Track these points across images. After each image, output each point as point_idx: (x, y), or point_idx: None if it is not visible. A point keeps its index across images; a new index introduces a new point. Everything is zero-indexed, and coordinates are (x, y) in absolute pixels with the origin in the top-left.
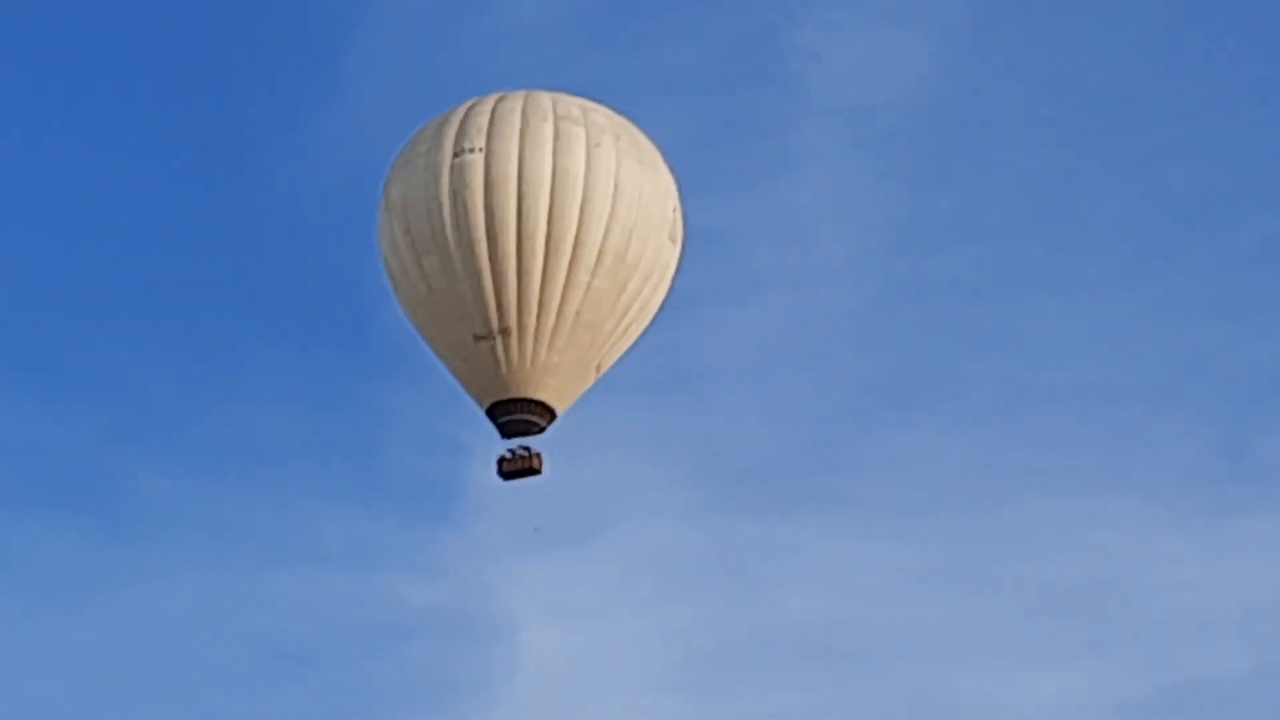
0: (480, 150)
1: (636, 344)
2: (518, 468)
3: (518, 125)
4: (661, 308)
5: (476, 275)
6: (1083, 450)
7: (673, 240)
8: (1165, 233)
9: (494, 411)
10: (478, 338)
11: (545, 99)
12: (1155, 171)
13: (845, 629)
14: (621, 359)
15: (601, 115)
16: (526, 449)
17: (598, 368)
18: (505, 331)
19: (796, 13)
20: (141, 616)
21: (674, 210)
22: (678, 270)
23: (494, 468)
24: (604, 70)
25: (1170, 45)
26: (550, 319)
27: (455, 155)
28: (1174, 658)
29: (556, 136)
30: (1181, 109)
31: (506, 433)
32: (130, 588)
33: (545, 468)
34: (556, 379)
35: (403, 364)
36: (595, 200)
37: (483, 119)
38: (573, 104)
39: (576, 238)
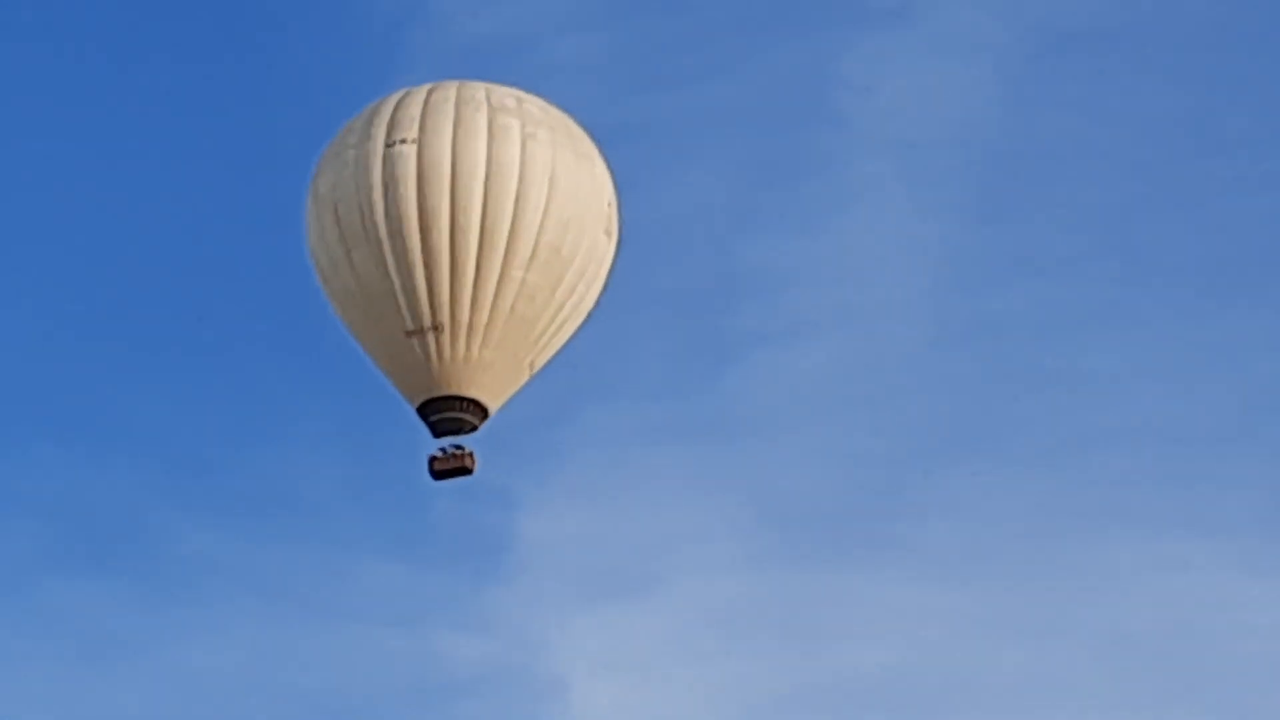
0: (413, 141)
1: (571, 341)
2: (450, 467)
3: (451, 116)
4: (596, 306)
5: (408, 269)
6: (1151, 492)
7: (609, 235)
8: (1234, 266)
9: (425, 409)
10: (409, 333)
11: (479, 89)
12: (1222, 203)
13: (908, 680)
14: (555, 357)
15: (536, 106)
16: (459, 447)
17: (531, 365)
18: (437, 327)
19: (845, 44)
20: (182, 677)
21: (610, 204)
22: (613, 267)
23: (425, 467)
24: (647, 108)
25: (1237, 73)
26: (483, 314)
27: (387, 146)
28: (1251, 707)
29: (491, 127)
30: (1249, 138)
31: (438, 431)
32: (169, 647)
33: (478, 467)
34: (489, 376)
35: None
36: (530, 192)
37: (415, 109)
38: (507, 94)
39: (511, 230)
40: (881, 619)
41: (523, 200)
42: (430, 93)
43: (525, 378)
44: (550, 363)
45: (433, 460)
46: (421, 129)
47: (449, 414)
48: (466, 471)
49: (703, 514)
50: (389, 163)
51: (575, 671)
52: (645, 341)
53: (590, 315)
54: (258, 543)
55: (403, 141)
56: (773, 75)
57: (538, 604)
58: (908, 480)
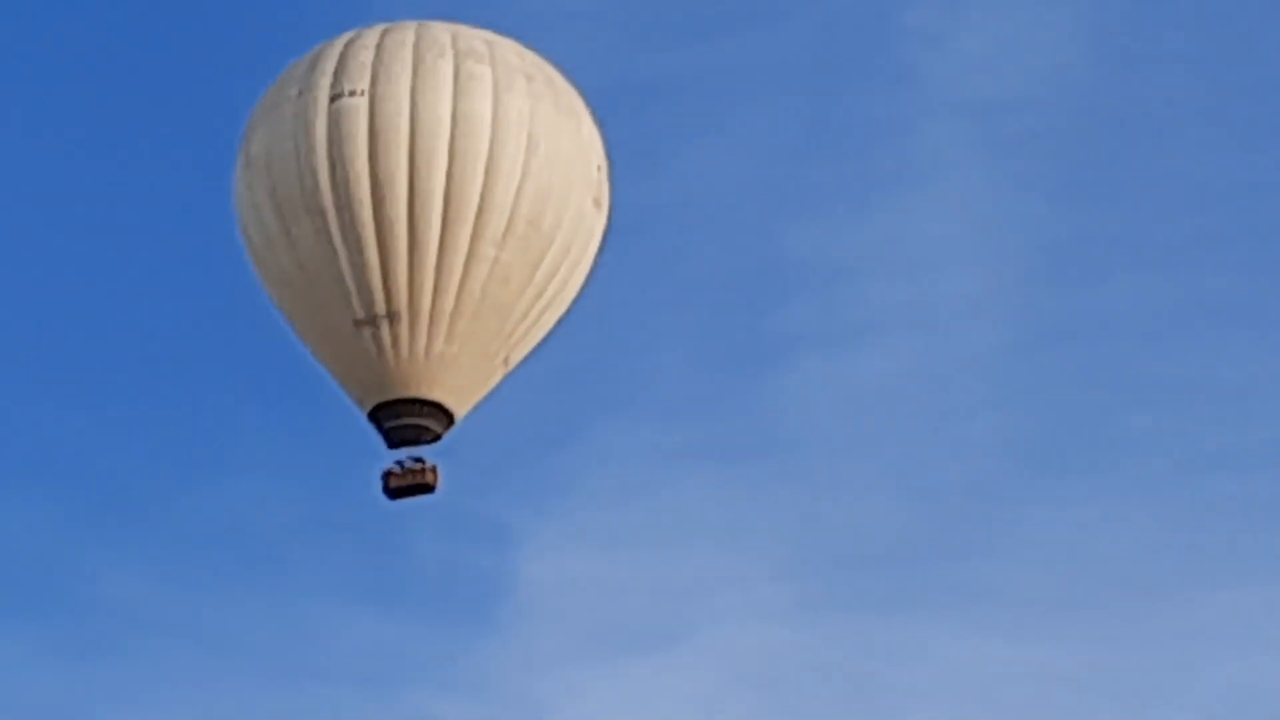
0: (363, 93)
1: (551, 335)
2: (408, 483)
3: (409, 63)
4: (582, 290)
5: (358, 246)
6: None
7: (598, 205)
8: None
9: (379, 415)
10: (359, 323)
11: (442, 31)
12: None
13: None
14: (534, 352)
15: (511, 51)
16: (419, 460)
17: (505, 361)
18: (393, 316)
19: None
20: None
21: (599, 168)
22: (603, 244)
23: (379, 485)
24: (673, 64)
25: None
26: (448, 301)
27: (332, 99)
28: None
29: (457, 76)
30: None
31: (394, 441)
32: (97, 711)
33: (440, 483)
34: (455, 375)
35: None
36: (504, 154)
37: (366, 55)
38: (475, 37)
39: (481, 200)
40: (952, 678)
41: (495, 164)
42: (384, 35)
43: (498, 377)
44: (546, 366)
45: (388, 475)
46: (373, 78)
47: (407, 420)
48: (428, 488)
49: (737, 552)
50: (334, 119)
51: None
52: (668, 345)
53: (575, 301)
54: (197, 588)
55: (351, 93)
56: (823, 23)
57: (538, 660)
58: (985, 512)
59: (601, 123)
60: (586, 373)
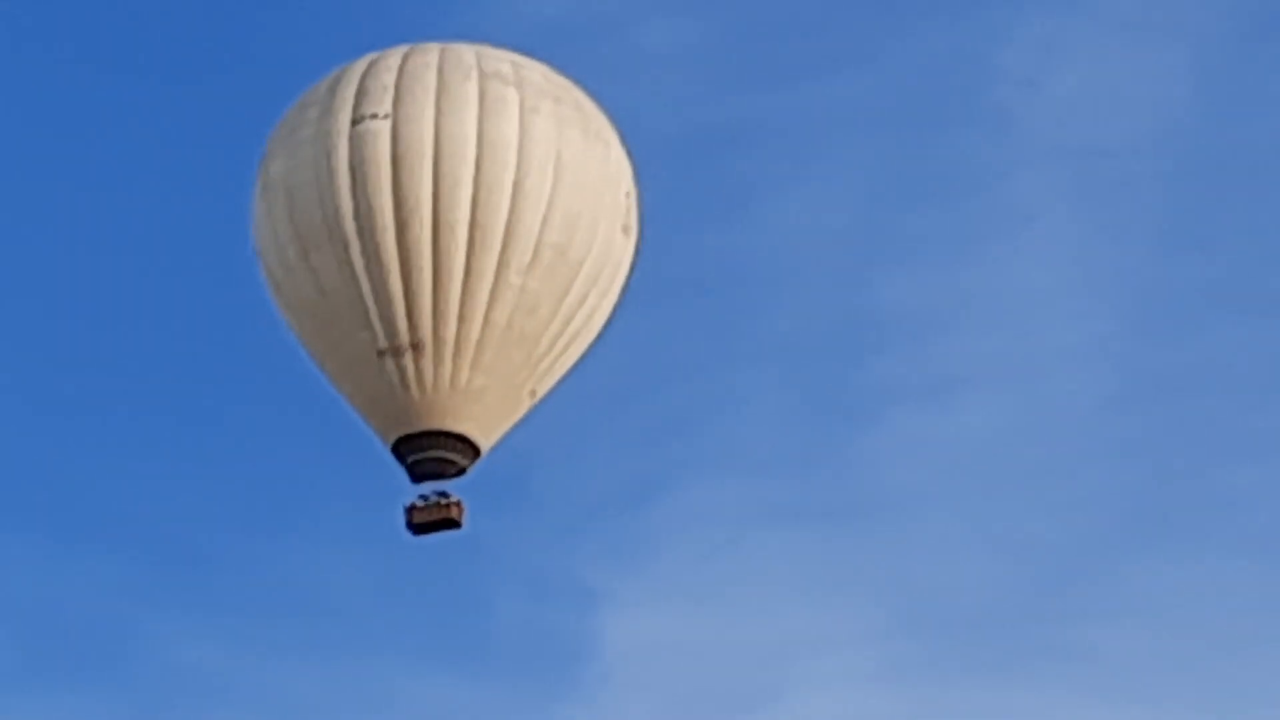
0: (386, 116)
1: (577, 368)
2: (432, 519)
3: (433, 85)
4: (610, 319)
5: (381, 274)
6: None
7: (626, 232)
8: None
9: (402, 448)
10: (382, 354)
11: (467, 52)
12: None
13: None
14: (560, 384)
15: (538, 74)
16: (444, 494)
17: (532, 393)
18: (417, 346)
19: (1007, 27)
20: None
21: (628, 195)
22: (632, 272)
23: (402, 519)
24: (761, 108)
25: None
26: (474, 330)
27: (354, 122)
28: None
29: (482, 99)
30: None
31: (418, 475)
32: None
33: (466, 519)
34: (481, 407)
35: (509, 487)
36: (531, 179)
37: (388, 77)
38: (501, 59)
39: (507, 227)
40: None
41: (522, 189)
42: (407, 57)
43: (525, 409)
44: (629, 421)
45: (411, 510)
46: (396, 101)
47: (431, 453)
48: (453, 524)
49: (828, 615)
50: (356, 143)
51: None
52: (756, 400)
53: (602, 332)
54: (266, 651)
55: (373, 116)
56: (916, 66)
57: None
58: (1085, 572)
59: (632, 151)
60: (673, 427)
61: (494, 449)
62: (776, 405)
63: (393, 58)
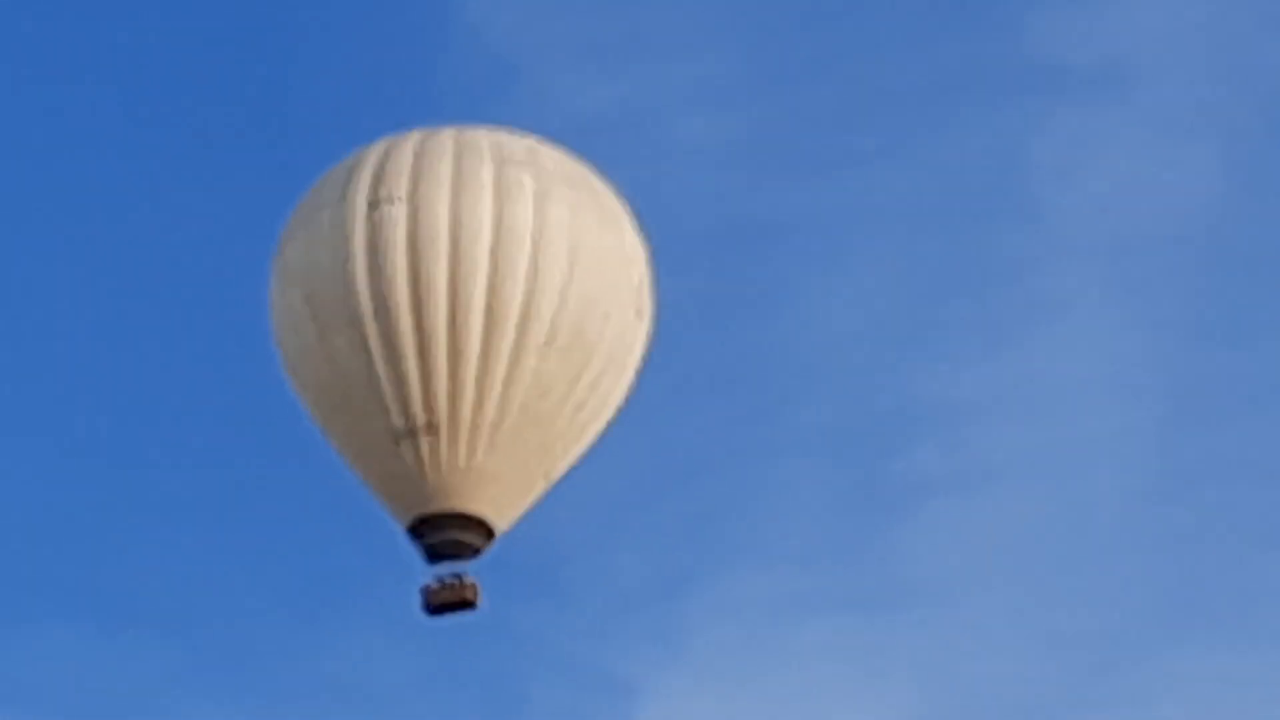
0: (402, 200)
1: (595, 449)
2: (447, 599)
3: (449, 169)
4: (624, 403)
5: (397, 356)
6: None
7: (639, 316)
8: None
9: (418, 529)
10: (398, 437)
11: (481, 137)
12: None
13: None
14: (578, 466)
15: (551, 159)
16: (458, 576)
17: (546, 475)
18: (432, 428)
19: (1037, 121)
20: None
21: (641, 280)
22: (645, 354)
23: (418, 601)
24: (793, 202)
25: None
26: (489, 412)
27: (371, 206)
28: None
29: (498, 182)
30: None
31: (434, 556)
32: None
33: (481, 600)
34: (496, 488)
35: (541, 578)
36: (546, 262)
37: (404, 161)
38: (516, 143)
39: (523, 309)
40: None
41: (538, 272)
42: (423, 140)
43: (539, 490)
44: (663, 512)
45: (427, 591)
46: (413, 185)
47: (447, 535)
48: (468, 605)
49: (864, 705)
50: (374, 227)
51: None
52: (790, 490)
53: (617, 416)
54: None
55: (390, 200)
56: (949, 160)
57: None
58: (1122, 663)
59: (646, 234)
60: (707, 518)
61: (511, 532)
62: (811, 496)
63: (408, 141)
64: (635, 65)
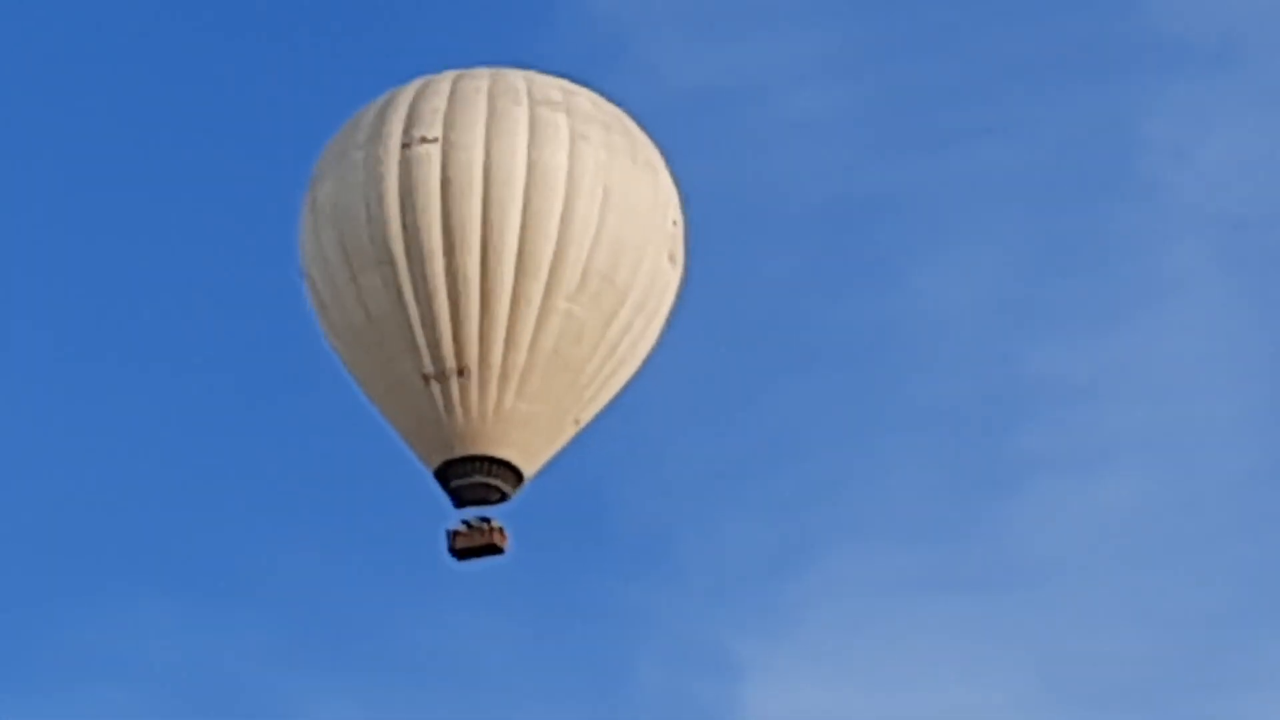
0: (435, 140)
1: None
2: (475, 544)
3: (483, 110)
4: (655, 348)
5: (429, 298)
6: None
7: (673, 261)
8: None
9: (446, 473)
10: (428, 378)
11: (517, 78)
12: None
13: None
14: (603, 412)
15: (587, 100)
16: (485, 520)
17: (576, 420)
18: (462, 371)
19: (1153, 95)
20: None
21: (675, 223)
22: (677, 300)
23: (444, 544)
24: (906, 177)
25: None
26: (520, 356)
27: (404, 146)
28: None
29: (532, 124)
30: None
31: (462, 500)
32: None
33: (509, 545)
34: (525, 433)
35: (647, 554)
36: (579, 205)
37: (439, 101)
38: (551, 85)
39: (555, 253)
40: None
41: (570, 215)
42: (457, 81)
43: (568, 436)
44: (777, 490)
45: (454, 536)
46: (447, 125)
47: (475, 479)
48: (496, 550)
49: (974, 685)
50: (406, 167)
51: None
52: (901, 469)
53: (648, 360)
54: (405, 713)
55: (423, 140)
56: (1061, 135)
57: None
58: (1235, 644)
59: (678, 178)
60: (819, 496)
61: (538, 475)
62: (922, 474)
63: (443, 82)
64: (744, 39)
